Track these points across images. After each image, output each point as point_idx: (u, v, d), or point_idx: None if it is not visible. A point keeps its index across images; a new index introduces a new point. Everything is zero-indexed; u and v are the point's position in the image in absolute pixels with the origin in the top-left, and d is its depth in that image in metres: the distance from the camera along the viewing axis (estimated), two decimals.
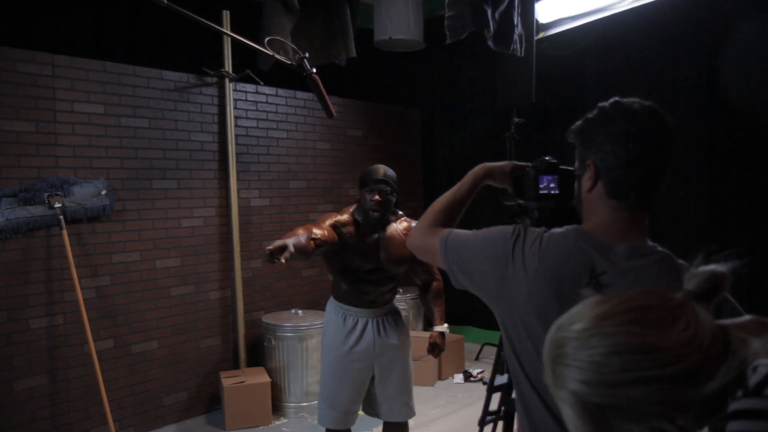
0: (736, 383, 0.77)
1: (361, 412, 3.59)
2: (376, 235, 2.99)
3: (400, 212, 3.15)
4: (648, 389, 0.76)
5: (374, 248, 2.98)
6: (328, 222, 2.92)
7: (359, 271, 2.98)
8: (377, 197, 2.90)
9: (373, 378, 3.11)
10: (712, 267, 0.83)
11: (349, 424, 3.10)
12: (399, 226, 3.06)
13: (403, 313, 5.50)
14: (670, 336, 0.77)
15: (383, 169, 2.98)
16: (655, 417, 0.77)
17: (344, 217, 2.99)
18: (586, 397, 0.79)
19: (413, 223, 3.06)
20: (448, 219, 1.54)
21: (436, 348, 3.13)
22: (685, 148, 4.80)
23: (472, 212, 1.61)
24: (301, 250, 2.58)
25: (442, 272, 1.68)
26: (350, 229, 2.96)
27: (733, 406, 0.77)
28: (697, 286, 0.83)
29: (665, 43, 4.93)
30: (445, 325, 3.16)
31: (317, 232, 2.76)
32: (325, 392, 3.07)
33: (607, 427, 0.79)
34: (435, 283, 3.19)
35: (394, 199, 3.02)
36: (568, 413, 0.82)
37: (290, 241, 2.49)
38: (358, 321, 3.04)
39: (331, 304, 3.13)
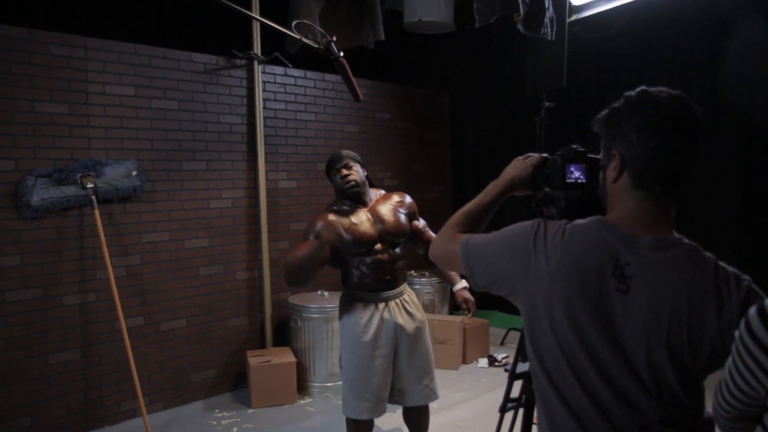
0: None
1: None
2: (363, 214, 2.99)
3: (381, 190, 3.18)
4: None
5: (369, 224, 2.96)
6: (320, 227, 2.91)
7: (361, 253, 2.96)
8: (344, 172, 2.98)
9: (396, 362, 3.04)
10: None
11: (382, 412, 3.02)
12: (381, 198, 3.10)
13: (429, 297, 5.57)
14: None
15: (341, 151, 3.09)
16: None
17: (328, 216, 2.96)
18: None
19: (398, 194, 3.15)
20: (469, 229, 1.53)
21: (468, 302, 3.04)
22: (720, 137, 4.69)
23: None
24: (323, 258, 2.79)
25: None
26: (338, 220, 2.94)
27: None
28: None
29: (703, 26, 4.79)
30: (463, 281, 3.05)
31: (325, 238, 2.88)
32: (354, 385, 2.98)
33: None
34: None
35: (364, 172, 3.07)
36: None
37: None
38: (377, 306, 3.00)
39: (346, 296, 3.09)
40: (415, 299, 3.16)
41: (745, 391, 1.06)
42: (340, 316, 3.09)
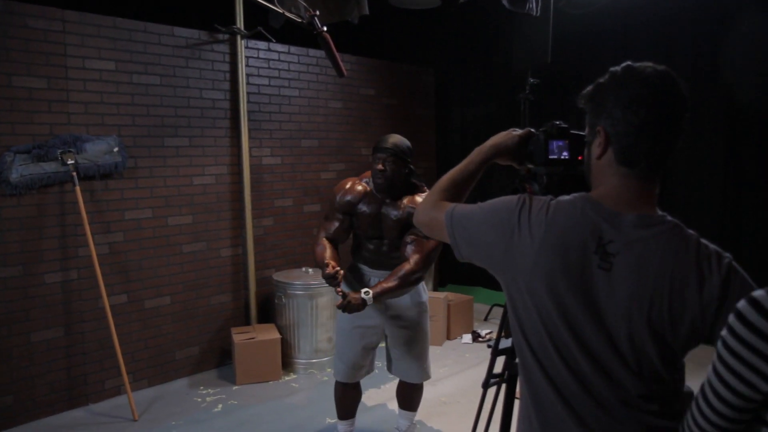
0: None
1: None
2: (382, 206, 3.01)
3: (421, 185, 3.07)
4: None
5: (378, 220, 3.03)
6: (339, 200, 3.07)
7: (365, 238, 3.11)
8: (380, 166, 2.92)
9: (387, 337, 3.21)
10: None
11: (356, 377, 3.22)
12: (409, 196, 3.00)
13: None
14: None
15: (393, 139, 2.96)
16: None
17: (359, 186, 3.07)
18: None
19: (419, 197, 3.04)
20: (454, 196, 1.53)
21: (344, 300, 2.77)
22: (703, 113, 4.72)
23: (478, 184, 1.60)
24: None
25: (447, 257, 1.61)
26: (362, 197, 3.05)
27: None
28: None
29: (687, 4, 4.79)
30: (371, 293, 2.79)
31: (330, 228, 3.12)
32: (337, 346, 3.22)
33: None
34: (408, 266, 2.88)
35: (404, 170, 2.96)
36: None
37: (338, 269, 2.84)
38: (370, 279, 3.13)
39: (350, 264, 3.25)
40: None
41: (743, 393, 0.97)
42: (343, 281, 3.20)
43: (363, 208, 3.03)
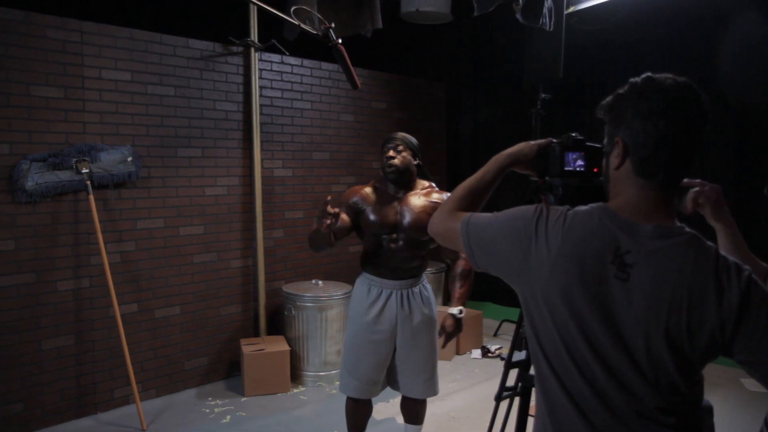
0: None
1: None
2: (396, 200, 3.01)
3: (431, 183, 3.12)
4: None
5: (393, 211, 2.98)
6: (345, 201, 3.05)
7: (379, 235, 3.00)
8: (390, 152, 2.97)
9: (395, 350, 3.11)
10: None
11: (372, 394, 3.11)
12: (422, 191, 3.04)
13: None
14: None
15: (401, 133, 3.08)
16: None
17: (366, 188, 3.08)
18: None
19: (444, 195, 3.05)
20: (470, 205, 1.52)
21: (441, 330, 2.85)
22: (715, 126, 4.71)
23: (492, 194, 1.60)
24: (329, 236, 2.77)
25: None
26: (369, 195, 3.04)
27: None
28: None
29: (698, 19, 4.80)
30: (460, 308, 2.86)
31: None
32: (347, 361, 3.11)
33: None
34: (461, 262, 2.97)
35: (413, 160, 3.02)
36: None
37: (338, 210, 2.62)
38: (382, 291, 3.06)
39: (360, 275, 3.18)
40: (427, 294, 3.15)
41: None
42: (351, 294, 3.20)
43: (375, 201, 3.00)
